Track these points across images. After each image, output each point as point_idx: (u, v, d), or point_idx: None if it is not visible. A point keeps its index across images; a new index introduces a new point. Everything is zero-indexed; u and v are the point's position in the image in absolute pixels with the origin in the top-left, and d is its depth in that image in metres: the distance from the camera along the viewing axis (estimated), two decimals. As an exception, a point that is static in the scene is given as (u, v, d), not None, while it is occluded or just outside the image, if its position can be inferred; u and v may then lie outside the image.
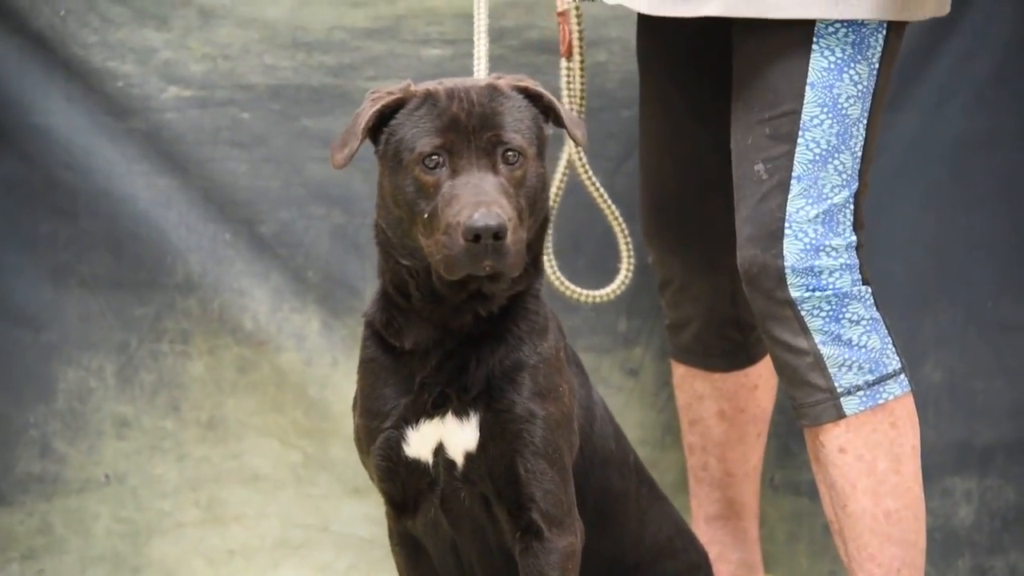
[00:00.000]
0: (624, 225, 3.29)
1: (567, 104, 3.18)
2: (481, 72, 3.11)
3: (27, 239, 3.69)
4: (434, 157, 2.60)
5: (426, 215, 2.58)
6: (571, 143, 3.19)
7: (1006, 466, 3.61)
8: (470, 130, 2.61)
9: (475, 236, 2.51)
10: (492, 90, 2.66)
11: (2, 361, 3.71)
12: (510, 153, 2.61)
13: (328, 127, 3.60)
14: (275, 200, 3.68)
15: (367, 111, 2.68)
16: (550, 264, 3.24)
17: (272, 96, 3.65)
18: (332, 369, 3.68)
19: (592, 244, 3.62)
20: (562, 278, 3.27)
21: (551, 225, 3.18)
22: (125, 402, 3.72)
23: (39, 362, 3.71)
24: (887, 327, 2.91)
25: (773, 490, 3.69)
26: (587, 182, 3.25)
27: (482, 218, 2.50)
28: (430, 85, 2.69)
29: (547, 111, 2.71)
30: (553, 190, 3.25)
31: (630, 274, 3.29)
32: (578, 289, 3.27)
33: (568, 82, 3.18)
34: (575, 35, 3.16)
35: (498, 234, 2.51)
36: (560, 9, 3.17)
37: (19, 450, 3.70)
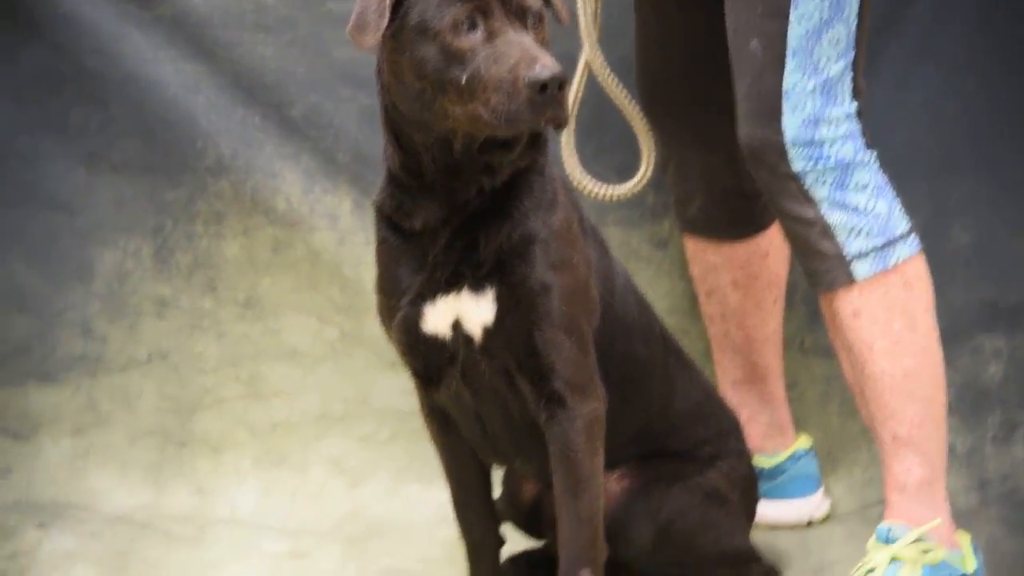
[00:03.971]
0: (644, 120, 3.30)
1: (582, 12, 3.19)
2: None
3: (59, 126, 3.73)
4: (466, 22, 2.63)
5: (463, 80, 2.60)
6: (587, 43, 3.21)
7: None
8: None
9: (542, 87, 2.55)
10: None
11: (40, 245, 3.76)
12: (533, 18, 2.67)
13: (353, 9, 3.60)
14: (303, 83, 3.71)
15: None
16: (572, 160, 3.27)
17: None
18: (365, 248, 3.68)
19: (613, 139, 3.65)
20: (584, 174, 3.29)
21: (572, 121, 3.24)
22: (163, 282, 3.79)
23: (76, 246, 3.78)
24: (894, 190, 2.94)
25: (803, 353, 3.73)
26: (607, 83, 3.26)
27: (546, 69, 2.55)
28: None
29: None
30: (573, 89, 3.24)
31: (650, 169, 3.30)
32: (601, 185, 3.29)
33: None
34: None
35: (563, 84, 2.56)
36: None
37: (61, 331, 3.77)
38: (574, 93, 3.25)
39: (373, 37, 2.69)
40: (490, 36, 2.63)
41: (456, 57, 2.63)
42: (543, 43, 2.68)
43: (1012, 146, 3.64)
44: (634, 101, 3.30)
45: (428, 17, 2.66)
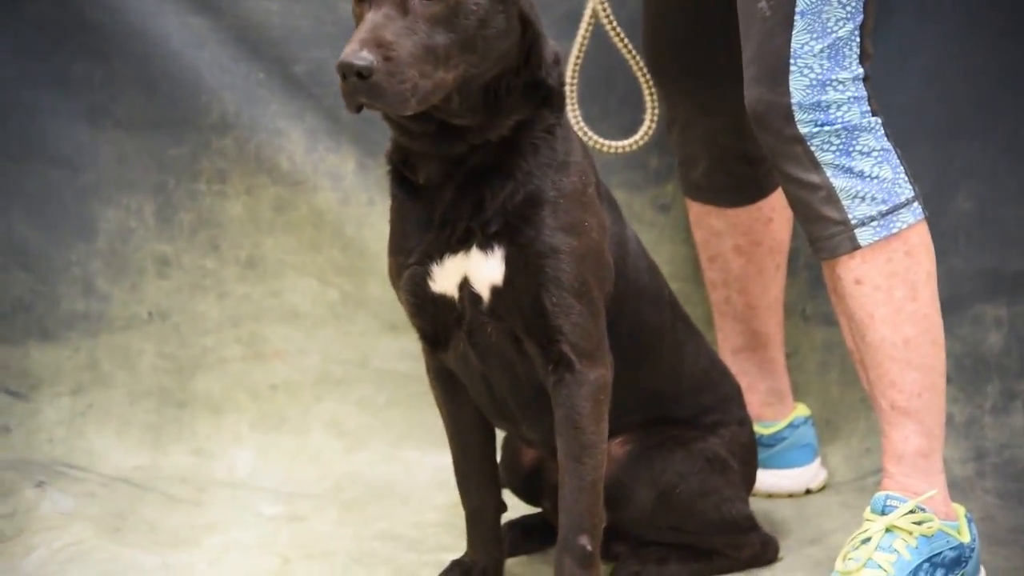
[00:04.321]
0: (648, 75, 3.29)
1: None
2: None
3: (61, 80, 3.72)
4: None
5: None
6: None
7: None
8: None
9: (342, 73, 2.54)
10: None
11: (41, 201, 3.75)
12: None
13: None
14: (307, 39, 3.69)
15: None
16: (574, 114, 3.24)
17: None
18: (368, 208, 3.72)
19: (619, 90, 3.64)
20: (585, 128, 3.27)
21: (575, 73, 3.24)
22: (165, 241, 3.78)
23: (78, 202, 3.76)
24: (899, 156, 2.92)
25: (804, 321, 3.73)
26: (612, 33, 3.25)
27: (347, 55, 2.53)
28: None
29: None
30: (578, 40, 3.25)
31: (654, 124, 3.29)
32: (601, 139, 3.28)
33: None
34: None
35: (361, 73, 2.52)
36: None
37: (62, 288, 3.76)
38: (577, 43, 3.24)
39: None
40: (369, 9, 2.62)
41: (357, 24, 2.64)
42: (434, 19, 2.60)
43: (1019, 111, 3.63)
44: (638, 55, 3.29)
45: None
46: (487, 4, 2.65)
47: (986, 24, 3.61)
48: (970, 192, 3.65)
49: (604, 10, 3.24)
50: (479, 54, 2.66)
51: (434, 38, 2.60)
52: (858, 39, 2.89)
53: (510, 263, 2.76)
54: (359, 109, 2.61)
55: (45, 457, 3.70)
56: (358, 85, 2.54)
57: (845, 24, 2.88)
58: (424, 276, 2.82)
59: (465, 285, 2.80)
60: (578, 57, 3.27)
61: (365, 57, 2.52)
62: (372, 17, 2.59)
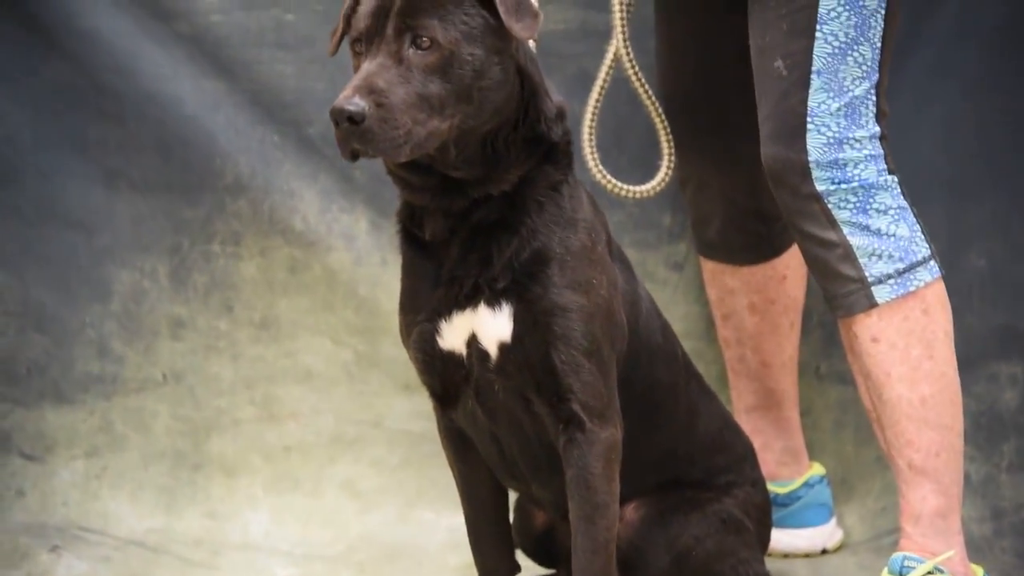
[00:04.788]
0: (666, 121, 3.27)
1: (617, 5, 3.17)
2: None
3: (77, 143, 3.73)
4: (358, 42, 2.66)
5: None
6: (620, 35, 3.18)
7: None
8: (390, 16, 2.62)
9: (335, 120, 2.55)
10: None
11: (57, 264, 3.75)
12: (421, 39, 2.61)
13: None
14: (321, 101, 3.65)
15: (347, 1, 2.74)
16: (592, 158, 3.22)
17: None
18: (381, 268, 3.71)
19: (635, 139, 3.64)
20: (604, 172, 3.25)
21: (594, 113, 3.22)
22: (179, 303, 3.78)
23: (93, 264, 3.76)
24: (915, 214, 2.92)
25: (819, 379, 3.72)
26: (633, 77, 3.23)
27: (339, 102, 2.54)
28: None
29: (487, 2, 2.66)
30: (598, 84, 3.23)
31: (671, 170, 3.27)
32: (620, 184, 3.26)
33: None
34: None
35: (352, 118, 2.54)
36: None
37: (77, 350, 3.76)
38: (598, 87, 3.23)
39: (332, 45, 2.78)
40: (365, 59, 2.64)
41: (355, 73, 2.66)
42: (429, 68, 2.61)
43: (1025, 170, 3.63)
44: (657, 101, 3.28)
45: (351, 34, 2.70)
46: (483, 55, 2.66)
47: (998, 84, 3.61)
48: (982, 250, 3.65)
49: (627, 53, 3.20)
50: (475, 105, 2.66)
51: (428, 87, 2.61)
52: (874, 98, 2.91)
53: (518, 320, 2.75)
54: (355, 157, 2.62)
55: (60, 520, 3.69)
56: (351, 131, 2.55)
57: (861, 83, 2.89)
58: (433, 333, 2.81)
59: (473, 342, 2.78)
60: (598, 100, 3.24)
61: (357, 103, 2.54)
62: (366, 66, 2.61)
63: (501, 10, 2.65)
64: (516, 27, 2.66)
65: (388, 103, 2.56)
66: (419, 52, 2.61)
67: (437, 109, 2.61)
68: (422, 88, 2.60)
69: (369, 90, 2.56)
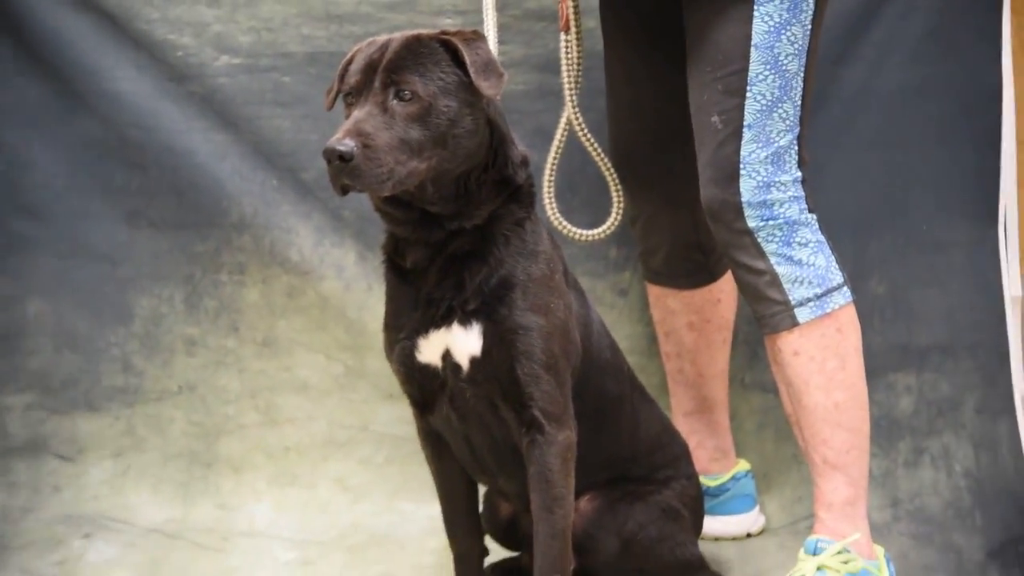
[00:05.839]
0: (615, 174, 3.26)
1: (565, 70, 3.15)
2: (491, 37, 3.07)
3: (104, 188, 3.70)
4: (349, 95, 2.66)
5: None
6: (569, 103, 3.16)
7: (939, 363, 3.61)
8: (377, 72, 2.63)
9: (327, 158, 2.54)
10: (413, 41, 2.66)
11: (86, 292, 3.72)
12: (403, 92, 2.61)
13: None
14: (314, 151, 3.61)
15: (343, 61, 2.74)
16: (551, 207, 3.21)
17: (309, 62, 3.65)
18: (367, 294, 3.68)
19: (587, 188, 3.60)
20: (561, 219, 3.23)
21: (552, 169, 3.21)
22: (192, 324, 3.75)
23: (117, 292, 3.73)
24: (831, 247, 2.93)
25: (744, 388, 3.69)
26: (582, 137, 3.21)
27: (331, 143, 2.54)
28: (380, 37, 2.71)
29: (461, 62, 2.67)
30: (554, 145, 3.22)
31: (619, 217, 3.26)
32: (574, 229, 3.24)
33: (567, 52, 3.15)
34: (571, 11, 3.13)
35: (343, 157, 2.53)
36: (559, -8, 3.15)
37: (103, 366, 3.73)
38: (554, 147, 3.22)
39: (328, 100, 2.77)
40: (356, 109, 2.63)
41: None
42: (411, 117, 2.61)
43: (921, 210, 3.62)
44: (607, 157, 3.27)
45: (343, 88, 2.70)
46: (456, 107, 2.66)
47: (894, 138, 3.62)
48: (882, 277, 3.65)
49: (577, 118, 3.20)
50: (449, 149, 2.66)
51: (409, 133, 2.61)
52: (796, 147, 2.91)
53: (486, 337, 2.74)
54: (344, 192, 2.60)
55: (90, 512, 3.65)
56: (341, 168, 2.55)
57: (785, 135, 2.89)
58: (412, 348, 2.79)
59: (447, 356, 2.77)
60: (555, 158, 3.24)
61: (347, 144, 2.54)
62: (356, 113, 2.61)
63: (471, 71, 2.65)
64: (484, 85, 2.66)
65: (374, 145, 2.56)
66: (401, 103, 2.62)
67: (416, 152, 2.61)
68: (404, 134, 2.60)
69: (357, 133, 2.56)
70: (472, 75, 2.66)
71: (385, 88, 2.62)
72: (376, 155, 2.56)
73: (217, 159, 3.68)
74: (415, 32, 2.69)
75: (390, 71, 2.63)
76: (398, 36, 2.69)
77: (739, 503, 3.53)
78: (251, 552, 3.52)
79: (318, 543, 3.56)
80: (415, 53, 2.65)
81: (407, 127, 2.61)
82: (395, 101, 2.62)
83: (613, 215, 3.26)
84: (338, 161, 2.53)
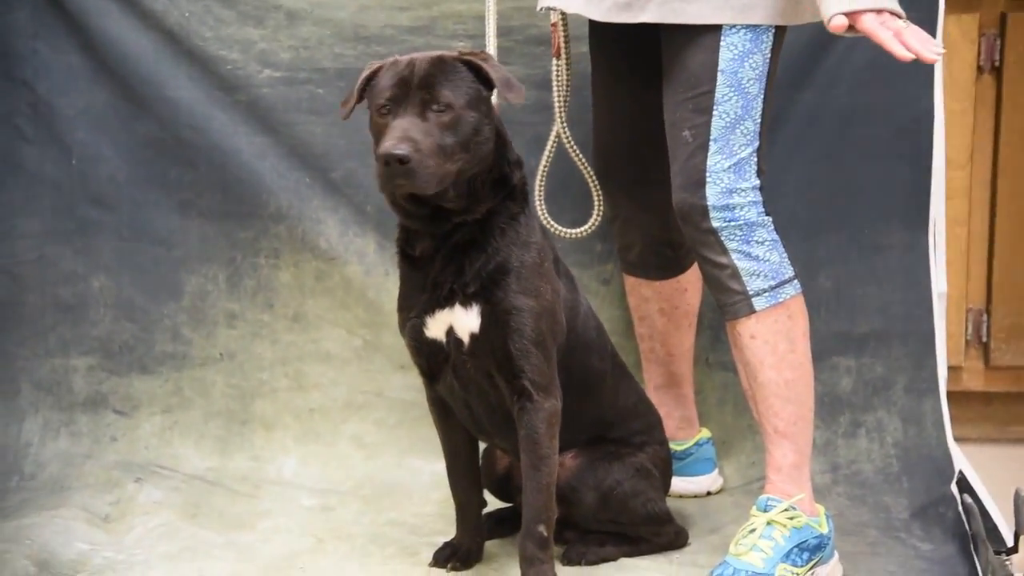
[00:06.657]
0: (596, 182, 3.28)
1: (556, 91, 3.16)
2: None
3: (161, 181, 3.69)
4: (385, 106, 2.64)
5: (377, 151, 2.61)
6: (559, 120, 3.18)
7: (875, 348, 3.61)
8: (411, 87, 2.62)
9: (386, 161, 2.54)
10: (438, 60, 2.66)
11: (143, 270, 3.71)
12: (438, 104, 2.61)
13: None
14: (342, 153, 3.66)
15: (361, 76, 2.73)
16: (541, 209, 3.22)
17: (340, 76, 3.64)
18: (385, 278, 3.67)
19: (574, 192, 3.59)
20: (550, 220, 3.24)
21: (543, 175, 3.23)
22: (233, 301, 3.74)
23: (170, 272, 3.72)
24: (783, 246, 2.94)
25: (707, 367, 3.69)
26: (569, 149, 3.22)
27: (389, 147, 2.54)
28: (401, 56, 2.70)
29: (485, 79, 2.69)
30: (545, 155, 3.23)
31: (599, 218, 3.27)
32: (561, 228, 3.25)
33: (557, 75, 3.16)
34: (562, 40, 3.14)
35: (401, 160, 2.53)
36: (552, 21, 3.15)
37: (156, 335, 3.73)
38: (545, 157, 3.24)
39: (345, 111, 2.74)
40: (394, 118, 2.61)
41: (379, 130, 2.64)
42: (444, 126, 2.62)
43: (863, 217, 3.62)
44: (589, 166, 3.29)
45: (372, 100, 2.68)
46: (479, 117, 2.67)
47: (840, 153, 3.62)
48: (828, 274, 3.64)
49: (564, 132, 3.22)
50: (472, 153, 2.67)
51: (444, 139, 2.62)
52: (756, 159, 2.91)
53: (484, 317, 2.74)
54: (392, 192, 2.61)
55: (142, 460, 3.65)
56: (398, 170, 2.54)
57: (746, 148, 2.89)
58: (421, 326, 2.80)
59: (451, 332, 2.78)
60: (545, 166, 3.25)
61: (404, 148, 2.54)
62: (399, 123, 2.60)
63: (498, 85, 2.68)
64: (510, 96, 2.70)
65: (422, 150, 2.56)
66: (437, 113, 2.62)
67: (450, 156, 2.62)
68: (440, 140, 2.61)
69: (408, 139, 2.56)
70: (499, 88, 2.69)
71: (423, 100, 2.62)
72: (425, 158, 2.57)
73: (258, 158, 3.68)
74: (437, 53, 2.70)
75: (426, 86, 2.63)
76: (420, 56, 2.69)
77: (701, 466, 3.54)
78: (279, 498, 3.52)
79: (337, 492, 3.57)
80: (442, 70, 2.66)
81: (443, 134, 2.62)
82: (433, 113, 2.62)
83: (594, 216, 3.28)
84: (396, 164, 2.54)
